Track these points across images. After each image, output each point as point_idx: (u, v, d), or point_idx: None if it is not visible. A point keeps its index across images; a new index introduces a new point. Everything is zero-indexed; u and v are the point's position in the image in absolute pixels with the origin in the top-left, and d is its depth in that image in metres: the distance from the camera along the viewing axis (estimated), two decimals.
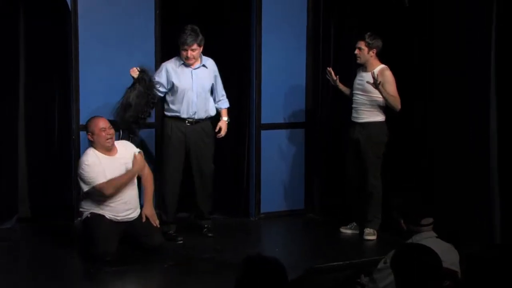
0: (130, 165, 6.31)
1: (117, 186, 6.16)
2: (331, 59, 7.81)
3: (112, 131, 6.28)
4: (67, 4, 7.02)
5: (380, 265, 4.16)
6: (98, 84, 7.21)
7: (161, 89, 6.80)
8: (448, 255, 4.04)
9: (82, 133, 7.13)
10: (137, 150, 6.46)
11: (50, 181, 7.34)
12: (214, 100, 6.98)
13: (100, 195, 6.16)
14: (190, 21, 7.31)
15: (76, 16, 7.06)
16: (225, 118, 7.02)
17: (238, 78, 7.42)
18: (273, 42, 7.74)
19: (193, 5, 7.68)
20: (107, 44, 7.22)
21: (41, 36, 7.22)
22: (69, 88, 7.16)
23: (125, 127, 6.75)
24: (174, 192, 6.87)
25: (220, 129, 6.98)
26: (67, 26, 7.10)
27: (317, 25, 7.92)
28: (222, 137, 7.04)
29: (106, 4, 7.25)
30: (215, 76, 6.92)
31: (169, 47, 7.40)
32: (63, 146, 7.31)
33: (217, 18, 7.60)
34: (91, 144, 6.29)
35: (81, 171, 6.18)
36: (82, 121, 7.12)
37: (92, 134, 6.22)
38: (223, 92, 7.03)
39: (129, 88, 6.66)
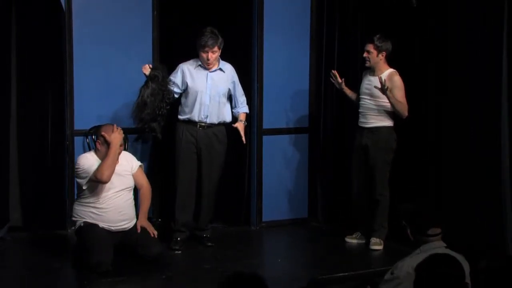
0: (128, 177, 6.28)
1: (108, 165, 6.05)
2: (335, 61, 7.68)
3: (122, 148, 6.27)
4: (61, 4, 6.96)
5: (387, 276, 4.07)
6: (93, 87, 7.18)
7: (176, 89, 6.82)
8: None
9: (77, 139, 7.21)
10: (139, 163, 6.43)
11: (42, 189, 7.25)
12: (233, 107, 6.95)
13: (93, 204, 6.09)
14: (189, 22, 7.22)
15: (71, 16, 7.01)
16: (241, 121, 6.95)
17: (239, 81, 7.24)
18: (275, 44, 7.62)
19: (192, 5, 7.61)
20: (103, 45, 7.17)
21: (34, 37, 7.13)
22: (63, 91, 7.11)
23: (144, 126, 6.77)
24: (187, 194, 6.81)
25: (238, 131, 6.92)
26: (61, 27, 7.04)
27: (321, 26, 7.80)
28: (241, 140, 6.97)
29: (102, 4, 7.20)
30: (233, 82, 6.90)
31: (167, 49, 7.42)
32: (57, 152, 7.23)
33: (217, 18, 7.48)
34: (95, 150, 6.25)
35: (76, 167, 6.18)
36: (77, 126, 7.15)
37: (102, 144, 6.16)
38: (243, 99, 7.00)
39: (142, 86, 6.68)
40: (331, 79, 7.19)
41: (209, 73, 6.74)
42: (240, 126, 6.90)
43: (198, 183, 6.87)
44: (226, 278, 3.12)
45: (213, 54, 6.63)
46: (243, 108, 6.98)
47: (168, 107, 6.77)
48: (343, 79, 7.11)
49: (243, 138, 6.90)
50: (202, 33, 6.61)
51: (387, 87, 6.65)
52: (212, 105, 6.74)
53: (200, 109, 6.73)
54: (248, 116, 7.21)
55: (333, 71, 7.19)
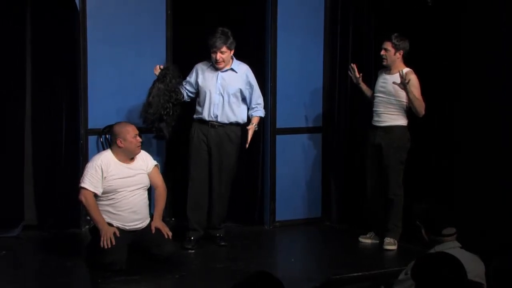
0: (143, 175, 6.27)
1: (86, 206, 6.12)
2: (349, 60, 7.61)
3: (140, 139, 6.26)
4: (75, 4, 6.97)
5: (401, 276, 4.05)
6: (107, 86, 7.19)
7: (190, 89, 6.87)
8: (473, 266, 3.89)
9: (91, 138, 7.21)
10: (154, 162, 6.42)
11: (57, 188, 7.24)
12: (249, 109, 6.90)
13: (107, 203, 6.13)
14: (203, 22, 7.20)
15: (85, 15, 7.03)
16: (252, 124, 6.83)
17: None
18: (289, 43, 7.59)
19: (206, 4, 7.60)
20: (117, 45, 7.18)
21: (48, 37, 7.12)
22: (77, 91, 7.12)
23: (150, 126, 6.78)
24: (200, 193, 6.82)
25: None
26: (75, 26, 7.04)
27: (335, 24, 7.77)
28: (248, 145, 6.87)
29: (116, 3, 7.21)
30: (249, 84, 6.85)
31: (181, 48, 7.42)
32: (71, 152, 7.22)
33: (231, 17, 7.48)
34: (112, 148, 6.24)
35: (88, 167, 6.16)
36: (91, 125, 7.17)
37: (124, 140, 6.15)
38: (259, 101, 6.92)
39: (151, 86, 6.71)
40: (349, 72, 7.14)
41: (220, 73, 6.74)
42: (250, 129, 6.80)
43: (210, 182, 6.87)
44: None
45: (222, 55, 6.63)
46: (257, 111, 6.89)
47: (177, 107, 6.77)
48: (361, 74, 7.07)
49: (247, 143, 6.80)
50: (212, 33, 6.62)
51: (408, 81, 6.58)
52: (221, 105, 6.73)
53: (210, 108, 6.73)
54: None
55: (352, 64, 7.15)
